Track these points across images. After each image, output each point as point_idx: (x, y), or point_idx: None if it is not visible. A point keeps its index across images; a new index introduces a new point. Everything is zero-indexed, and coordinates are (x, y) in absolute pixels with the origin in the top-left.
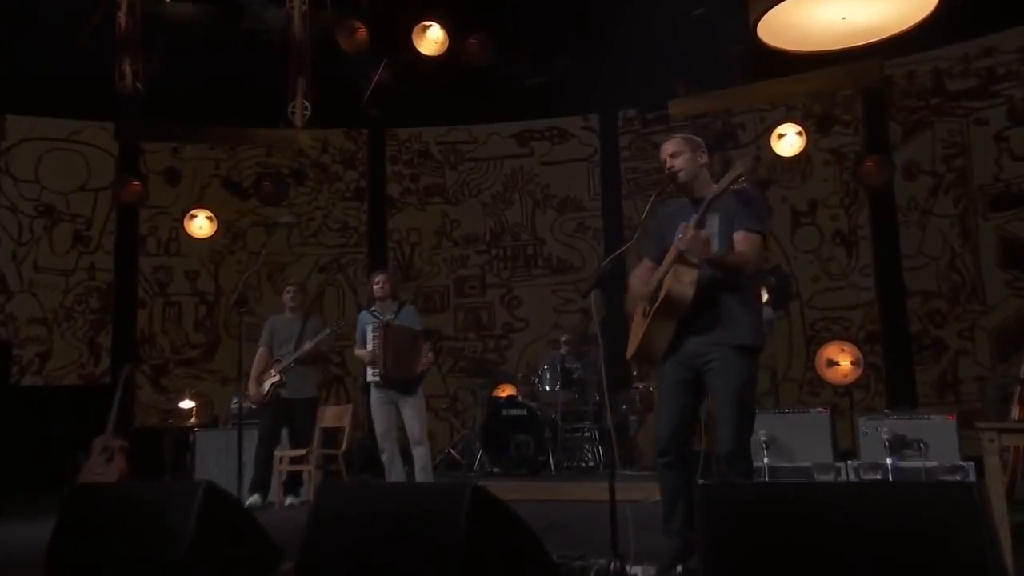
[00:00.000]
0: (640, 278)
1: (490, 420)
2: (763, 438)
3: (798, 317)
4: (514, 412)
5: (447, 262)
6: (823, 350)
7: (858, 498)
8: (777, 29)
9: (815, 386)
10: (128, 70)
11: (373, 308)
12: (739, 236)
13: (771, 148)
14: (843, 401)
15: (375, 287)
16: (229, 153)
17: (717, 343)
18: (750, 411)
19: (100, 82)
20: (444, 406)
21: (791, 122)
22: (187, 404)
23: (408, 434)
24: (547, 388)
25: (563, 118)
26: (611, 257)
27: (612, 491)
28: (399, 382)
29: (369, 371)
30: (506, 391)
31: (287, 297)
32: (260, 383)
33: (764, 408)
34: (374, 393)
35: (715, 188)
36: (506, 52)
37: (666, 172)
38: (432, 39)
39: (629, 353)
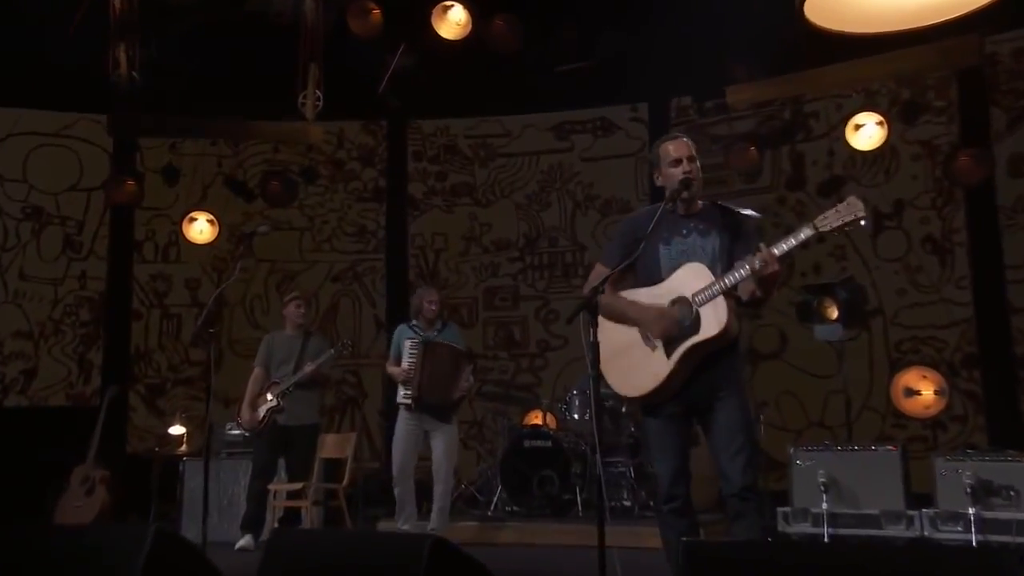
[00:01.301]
0: (614, 300)
1: (511, 452)
2: (822, 479)
3: (880, 336)
4: (538, 443)
5: (476, 271)
6: (900, 377)
7: (878, 562)
8: (830, 6)
9: (902, 418)
10: (123, 57)
11: (415, 323)
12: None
13: (846, 141)
14: (937, 436)
15: (427, 306)
16: (233, 149)
17: (726, 378)
18: (757, 445)
19: (93, 71)
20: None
21: (871, 111)
22: (177, 430)
23: (434, 468)
24: (576, 416)
25: (608, 108)
26: (607, 277)
27: (601, 537)
28: (433, 407)
29: (400, 391)
30: (539, 418)
31: (293, 311)
32: (255, 407)
33: (824, 443)
34: (402, 417)
35: (817, 225)
36: (541, 34)
37: (681, 176)
38: (454, 21)
39: (633, 391)
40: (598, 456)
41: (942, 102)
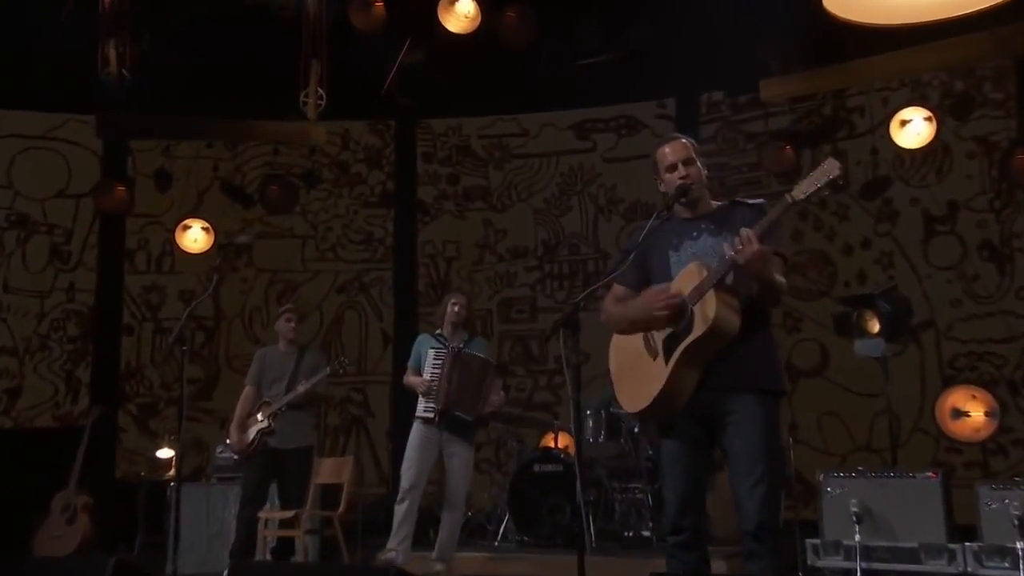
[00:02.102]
0: (616, 308)
1: (519, 478)
2: (855, 509)
3: (933, 351)
4: (548, 468)
5: (490, 281)
6: (947, 396)
7: None
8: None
9: (957, 442)
10: (113, 54)
11: (439, 332)
12: None
13: (891, 138)
14: (995, 463)
15: (451, 309)
16: (230, 151)
17: (737, 388)
18: (782, 473)
19: (82, 69)
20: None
21: (918, 105)
22: (166, 453)
23: (447, 491)
24: (590, 439)
25: (633, 104)
26: (589, 290)
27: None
28: (457, 422)
29: (421, 404)
30: (561, 440)
31: (283, 326)
32: (245, 429)
33: (857, 469)
34: (417, 430)
35: (793, 195)
36: (560, 26)
37: (677, 183)
38: (462, 13)
39: (633, 406)
40: (578, 485)
41: (999, 94)
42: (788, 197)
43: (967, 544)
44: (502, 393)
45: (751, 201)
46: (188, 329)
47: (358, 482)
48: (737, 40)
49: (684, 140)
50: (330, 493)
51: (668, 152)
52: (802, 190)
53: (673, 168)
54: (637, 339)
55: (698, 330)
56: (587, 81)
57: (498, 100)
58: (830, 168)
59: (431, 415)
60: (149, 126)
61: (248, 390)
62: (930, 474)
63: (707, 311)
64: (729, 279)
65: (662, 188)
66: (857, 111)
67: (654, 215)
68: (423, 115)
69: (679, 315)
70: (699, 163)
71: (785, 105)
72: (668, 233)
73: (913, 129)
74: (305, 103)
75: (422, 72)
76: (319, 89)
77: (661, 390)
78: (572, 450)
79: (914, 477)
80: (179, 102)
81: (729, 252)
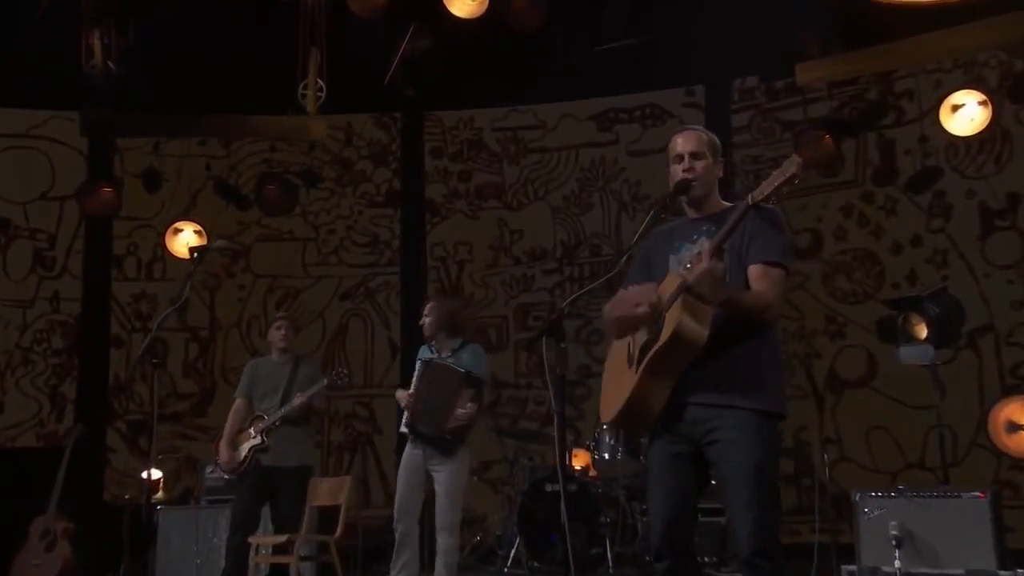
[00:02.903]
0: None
1: (530, 498)
2: (894, 532)
3: (992, 358)
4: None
5: (505, 285)
6: (1002, 408)
7: None
8: None
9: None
10: (98, 45)
11: (434, 342)
12: (757, 271)
13: (941, 125)
14: None
15: (424, 318)
16: (224, 149)
17: (728, 405)
18: (776, 494)
19: (65, 61)
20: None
21: (974, 88)
22: (153, 474)
23: (436, 513)
24: (606, 456)
25: (659, 92)
26: (576, 295)
27: None
28: (429, 438)
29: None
30: (581, 459)
31: (276, 334)
32: (235, 446)
33: (896, 488)
34: (406, 450)
35: (752, 196)
36: (579, 8)
37: (679, 177)
38: None
39: (607, 415)
40: (563, 505)
41: None
42: (748, 198)
43: (1020, 571)
44: (472, 405)
45: (764, 206)
46: (160, 343)
47: (361, 504)
48: (772, 20)
49: (700, 132)
50: (330, 517)
51: (679, 142)
52: (761, 191)
53: (679, 160)
54: (624, 346)
55: (663, 338)
56: (609, 68)
57: (513, 90)
58: (788, 166)
59: (405, 430)
60: (137, 122)
61: (238, 403)
62: (978, 494)
63: (671, 319)
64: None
65: (671, 181)
66: (905, 95)
67: (651, 213)
68: (431, 107)
69: (656, 317)
70: (711, 159)
71: (825, 90)
72: (672, 234)
73: (966, 114)
74: (304, 95)
75: (429, 60)
76: (319, 80)
77: (627, 399)
78: (591, 469)
79: (960, 497)
80: (169, 96)
81: (683, 267)
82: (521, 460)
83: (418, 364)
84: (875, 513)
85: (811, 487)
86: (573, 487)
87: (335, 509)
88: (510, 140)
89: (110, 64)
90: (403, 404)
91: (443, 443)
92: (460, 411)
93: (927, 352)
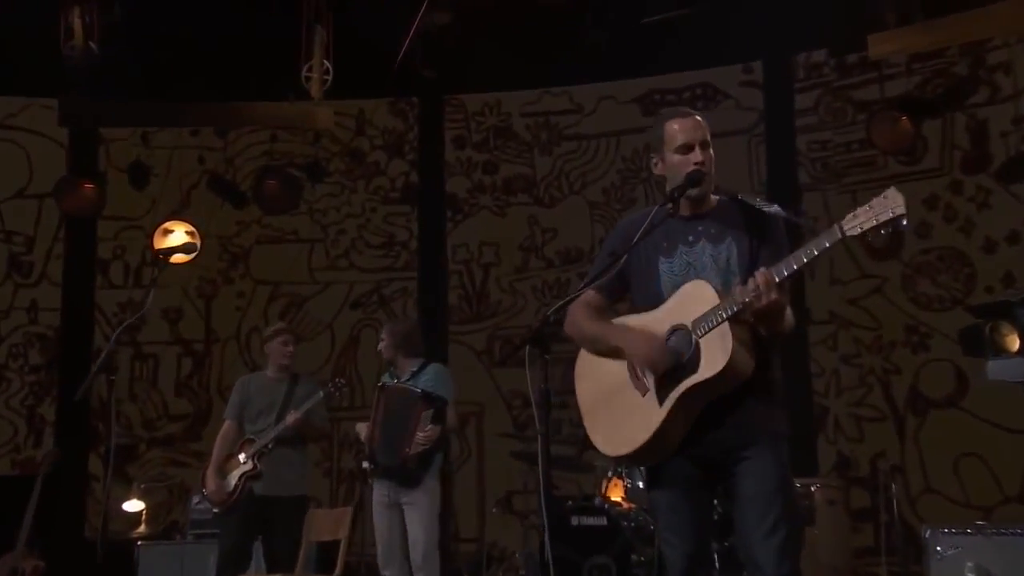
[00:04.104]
0: (589, 322)
1: (555, 534)
2: (970, 573)
3: None
4: (589, 521)
5: (537, 291)
6: None
7: None
8: None
9: None
10: (78, 24)
11: (393, 367)
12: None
13: None
14: None
15: (379, 347)
16: (220, 140)
17: (749, 428)
18: (799, 517)
19: (42, 42)
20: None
21: None
22: (134, 506)
23: (411, 551)
24: (640, 485)
25: (711, 69)
26: (562, 303)
27: None
28: (391, 469)
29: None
30: (613, 490)
31: (278, 349)
32: (224, 473)
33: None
34: (374, 490)
35: (844, 228)
36: None
37: (691, 168)
38: None
39: (615, 449)
40: (546, 538)
41: None
42: (837, 230)
43: None
44: (433, 427)
45: (765, 207)
46: (115, 357)
47: (368, 540)
48: None
49: (699, 117)
50: (331, 553)
51: (680, 129)
52: (858, 224)
53: (687, 149)
54: (618, 364)
55: (707, 371)
56: (654, 42)
57: (545, 69)
58: (893, 202)
59: (366, 465)
60: (122, 110)
61: (228, 426)
62: None
63: (726, 348)
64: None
65: (658, 171)
66: (1000, 69)
67: (654, 210)
68: (453, 90)
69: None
70: (711, 150)
71: (903, 65)
72: (658, 233)
73: None
74: (308, 79)
75: (450, 37)
76: (324, 62)
77: (653, 435)
78: (624, 500)
79: None
80: (158, 81)
81: (742, 299)
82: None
83: (376, 390)
84: (949, 553)
85: (891, 523)
86: (602, 521)
87: (335, 545)
88: (542, 126)
89: (92, 45)
90: (363, 437)
91: (407, 473)
92: (420, 434)
93: (1020, 367)
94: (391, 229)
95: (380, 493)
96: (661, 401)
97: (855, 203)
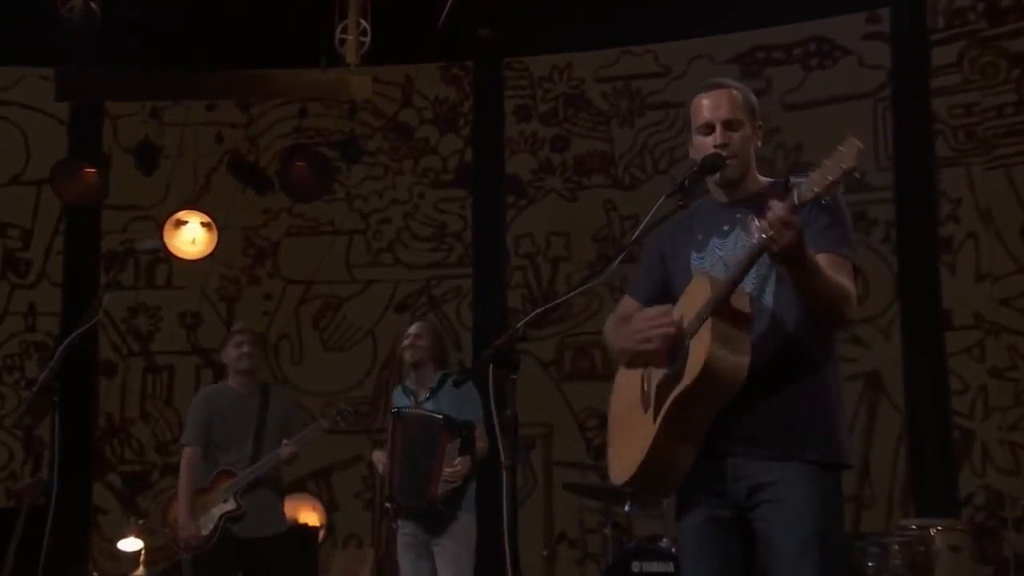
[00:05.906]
0: (612, 331)
1: None
2: None
3: None
4: (654, 568)
5: (613, 290)
6: None
7: None
8: None
9: None
10: None
11: (409, 380)
12: (825, 259)
13: None
14: None
15: (405, 345)
16: (241, 115)
17: (781, 456)
18: (841, 567)
19: (39, 6)
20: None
21: None
22: (132, 544)
23: None
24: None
25: (827, 20)
26: (532, 315)
27: None
28: (417, 512)
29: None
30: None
31: (234, 352)
32: (196, 513)
33: None
34: (399, 528)
35: (803, 185)
36: None
37: (710, 151)
38: None
39: (618, 475)
40: None
41: None
42: (794, 196)
43: None
44: (460, 459)
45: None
46: (57, 375)
47: None
48: None
49: (733, 89)
50: None
51: (705, 104)
52: (807, 190)
53: (708, 129)
54: (636, 379)
55: (687, 378)
56: None
57: (625, 25)
58: (843, 155)
59: (388, 505)
60: (129, 82)
61: (191, 453)
62: None
63: (701, 350)
64: (743, 302)
65: (692, 154)
66: None
67: (663, 198)
68: (515, 52)
69: (675, 351)
70: (749, 127)
71: None
72: (694, 224)
73: None
74: (343, 42)
75: None
76: (362, 21)
77: (644, 457)
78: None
79: None
80: (169, 47)
81: (756, 236)
82: (605, 530)
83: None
84: None
85: None
86: (668, 567)
87: None
88: (621, 93)
89: (93, 5)
90: (380, 469)
91: (436, 516)
92: (448, 470)
93: None
94: (442, 218)
95: (405, 532)
96: (655, 416)
97: (1009, 181)
